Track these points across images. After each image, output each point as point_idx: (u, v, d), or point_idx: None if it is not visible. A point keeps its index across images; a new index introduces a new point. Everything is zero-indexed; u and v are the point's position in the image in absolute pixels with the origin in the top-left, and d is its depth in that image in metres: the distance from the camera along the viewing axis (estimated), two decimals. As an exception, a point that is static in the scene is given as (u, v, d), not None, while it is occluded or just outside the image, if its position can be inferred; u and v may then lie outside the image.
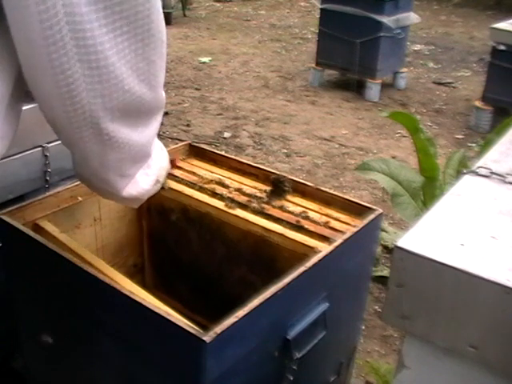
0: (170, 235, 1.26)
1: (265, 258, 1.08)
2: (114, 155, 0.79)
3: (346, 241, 0.97)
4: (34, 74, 0.67)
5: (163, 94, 0.83)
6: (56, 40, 0.62)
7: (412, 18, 4.08)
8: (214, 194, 1.17)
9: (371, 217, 1.03)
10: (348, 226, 1.06)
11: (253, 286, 1.08)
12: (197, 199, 1.16)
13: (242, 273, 1.14)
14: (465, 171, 0.82)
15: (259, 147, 3.22)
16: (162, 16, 0.74)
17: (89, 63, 0.65)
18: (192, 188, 1.19)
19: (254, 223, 1.08)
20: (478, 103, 3.65)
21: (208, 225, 1.16)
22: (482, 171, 0.80)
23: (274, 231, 1.06)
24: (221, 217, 1.13)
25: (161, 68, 0.77)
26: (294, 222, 1.08)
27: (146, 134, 0.82)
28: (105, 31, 0.65)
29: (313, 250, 0.98)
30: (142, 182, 0.91)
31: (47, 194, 1.09)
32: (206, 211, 1.15)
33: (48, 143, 1.25)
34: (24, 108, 0.75)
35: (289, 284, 0.84)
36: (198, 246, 1.21)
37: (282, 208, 1.13)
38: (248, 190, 1.18)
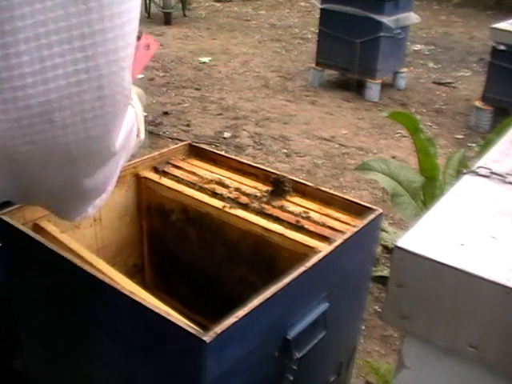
0: (170, 235, 1.26)
1: (265, 258, 1.08)
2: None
3: (346, 241, 0.97)
4: None
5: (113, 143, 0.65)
6: None
7: (412, 18, 4.08)
8: (214, 194, 1.17)
9: (371, 217, 1.03)
10: (348, 226, 1.06)
11: (253, 286, 1.08)
12: (197, 199, 1.16)
13: (242, 273, 1.14)
14: (465, 171, 0.82)
15: (259, 147, 3.22)
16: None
17: None
18: (192, 188, 1.19)
19: (254, 223, 1.08)
20: (478, 103, 3.65)
21: (208, 225, 1.16)
22: (482, 171, 0.80)
23: (273, 231, 1.06)
24: (221, 217, 1.13)
25: (99, 97, 0.59)
26: (294, 222, 1.08)
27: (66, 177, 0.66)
28: None
29: (313, 250, 0.98)
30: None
31: (47, 194, 1.09)
32: (206, 211, 1.15)
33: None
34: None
35: (289, 284, 0.84)
36: (198, 246, 1.21)
37: (282, 208, 1.13)
38: (248, 190, 1.18)
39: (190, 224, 1.20)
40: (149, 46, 0.87)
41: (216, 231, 1.15)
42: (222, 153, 1.35)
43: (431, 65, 4.96)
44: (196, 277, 1.24)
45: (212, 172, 1.26)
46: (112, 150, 0.66)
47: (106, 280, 0.85)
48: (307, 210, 1.12)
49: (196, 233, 1.20)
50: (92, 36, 0.55)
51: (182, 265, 1.26)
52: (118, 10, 0.56)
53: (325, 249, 0.96)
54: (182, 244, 1.24)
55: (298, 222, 1.08)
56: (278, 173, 1.21)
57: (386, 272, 2.04)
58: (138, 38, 0.76)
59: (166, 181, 1.21)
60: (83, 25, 0.54)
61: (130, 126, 0.72)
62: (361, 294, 1.17)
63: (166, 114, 3.54)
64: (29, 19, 0.52)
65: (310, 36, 5.53)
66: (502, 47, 3.39)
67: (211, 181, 1.21)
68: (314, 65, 4.30)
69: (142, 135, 0.85)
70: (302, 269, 0.87)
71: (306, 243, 1.02)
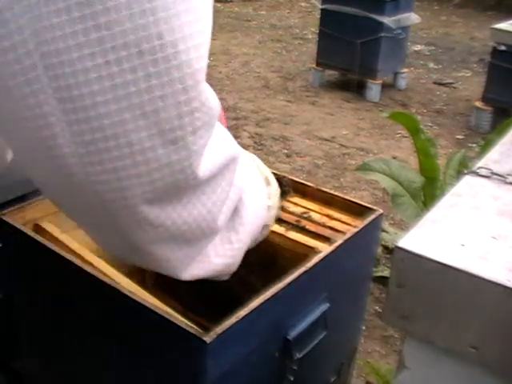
0: None
1: (265, 258, 1.08)
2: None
3: (346, 241, 0.97)
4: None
5: (197, 160, 0.58)
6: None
7: (412, 18, 4.08)
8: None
9: (372, 217, 1.03)
10: (348, 226, 1.06)
11: (253, 286, 1.08)
12: None
13: (242, 273, 1.14)
14: (465, 172, 0.82)
15: (260, 147, 3.23)
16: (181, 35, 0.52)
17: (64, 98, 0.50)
18: None
19: (254, 223, 1.08)
20: (478, 104, 3.65)
21: None
22: (483, 172, 0.80)
23: (274, 231, 1.06)
24: None
25: (178, 115, 0.53)
26: (294, 223, 1.08)
27: (180, 212, 0.61)
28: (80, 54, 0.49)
29: (313, 251, 0.98)
30: (217, 255, 0.73)
31: (48, 194, 1.09)
32: None
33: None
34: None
35: (289, 284, 0.84)
36: None
37: (282, 208, 1.12)
38: (248, 191, 1.18)
39: None
40: None
41: None
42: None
43: (432, 65, 4.96)
44: None
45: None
46: (195, 178, 0.59)
47: (106, 280, 0.85)
48: (307, 211, 1.12)
49: None
50: (164, 48, 0.50)
51: None
52: (186, 19, 0.51)
53: (325, 249, 0.96)
54: None
55: (298, 222, 1.08)
56: (278, 173, 1.21)
57: (386, 272, 2.04)
58: None
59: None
60: (153, 37, 0.50)
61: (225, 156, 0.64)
62: (361, 294, 1.17)
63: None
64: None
65: (310, 36, 5.53)
66: (503, 48, 3.39)
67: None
68: (314, 65, 4.30)
69: (274, 184, 0.85)
70: (302, 269, 0.87)
71: (306, 243, 1.02)
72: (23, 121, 0.53)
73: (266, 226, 0.84)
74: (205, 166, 0.60)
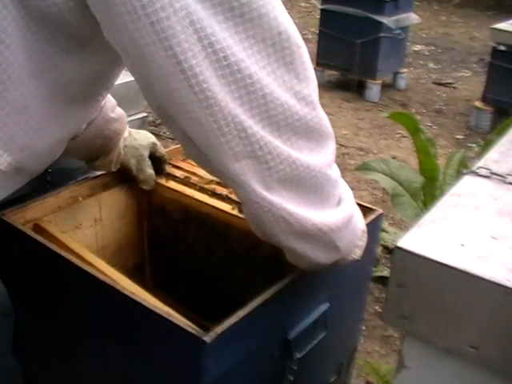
0: (170, 235, 1.26)
1: (266, 258, 1.08)
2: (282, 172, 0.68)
3: (346, 241, 0.97)
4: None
5: (323, 115, 0.72)
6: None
7: (412, 18, 4.08)
8: (214, 195, 1.17)
9: (371, 217, 1.03)
10: (348, 226, 1.06)
11: (253, 286, 1.08)
12: (197, 200, 1.16)
13: (243, 273, 1.14)
14: (465, 171, 0.82)
15: (259, 147, 3.22)
16: (288, 19, 0.67)
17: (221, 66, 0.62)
18: (192, 188, 1.19)
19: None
20: (478, 104, 3.65)
21: (209, 225, 1.16)
22: (482, 171, 0.80)
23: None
24: (221, 217, 1.13)
25: (305, 78, 0.69)
26: (294, 223, 1.08)
27: (315, 158, 0.71)
28: (234, 37, 0.62)
29: (313, 251, 0.98)
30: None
31: (47, 194, 1.09)
32: (206, 212, 1.15)
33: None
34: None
35: (289, 284, 0.84)
36: (199, 247, 1.21)
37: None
38: (248, 191, 1.18)
39: (191, 224, 1.20)
40: None
41: (217, 232, 1.15)
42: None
43: (431, 65, 4.96)
44: (196, 277, 1.24)
45: (212, 172, 1.26)
46: (323, 125, 0.72)
47: (106, 280, 0.85)
48: (307, 211, 1.12)
49: (196, 233, 1.20)
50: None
51: (182, 265, 1.26)
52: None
53: (325, 249, 0.96)
54: (182, 244, 1.24)
55: (298, 222, 1.08)
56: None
57: (386, 272, 2.04)
58: None
59: (166, 181, 1.21)
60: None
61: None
62: (361, 294, 1.17)
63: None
64: None
65: (310, 36, 5.52)
66: (503, 48, 3.39)
67: (211, 181, 1.21)
68: (314, 65, 4.29)
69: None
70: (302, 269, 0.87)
71: (306, 243, 1.02)
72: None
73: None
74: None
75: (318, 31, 4.25)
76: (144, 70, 0.63)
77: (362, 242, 0.85)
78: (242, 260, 1.13)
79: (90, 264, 0.92)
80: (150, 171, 1.16)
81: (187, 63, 0.60)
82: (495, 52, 3.46)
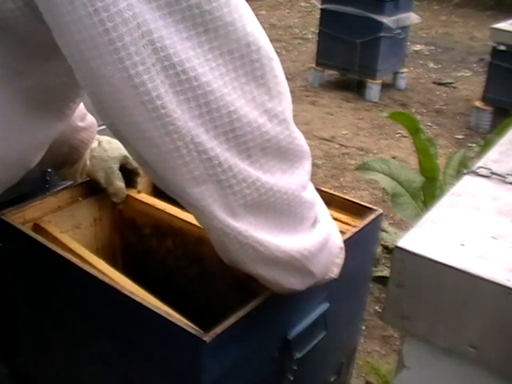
0: (142, 250, 1.18)
1: (239, 274, 1.03)
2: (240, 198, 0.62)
3: (346, 241, 0.97)
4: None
5: (298, 133, 0.67)
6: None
7: (412, 18, 4.08)
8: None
9: (371, 217, 1.03)
10: (348, 226, 1.06)
11: (226, 302, 1.02)
12: (168, 213, 1.08)
13: (217, 289, 1.07)
14: (465, 171, 0.82)
15: (259, 147, 3.22)
16: (259, 29, 0.61)
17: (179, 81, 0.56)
18: (165, 201, 1.08)
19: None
20: (478, 103, 3.65)
21: (180, 239, 1.09)
22: (482, 171, 0.80)
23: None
24: (193, 232, 1.05)
25: (278, 94, 0.63)
26: (294, 223, 1.08)
27: (287, 180, 0.65)
28: (189, 45, 0.55)
29: (313, 250, 0.98)
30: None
31: (47, 194, 1.09)
32: (178, 226, 1.07)
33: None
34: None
35: (289, 284, 0.84)
36: (172, 261, 1.13)
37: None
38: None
39: (163, 238, 1.13)
40: None
41: (189, 246, 1.08)
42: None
43: (431, 65, 4.96)
44: (171, 293, 1.14)
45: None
46: (298, 145, 0.67)
47: (106, 280, 0.85)
48: (307, 210, 1.12)
49: (168, 247, 1.12)
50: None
51: (155, 279, 1.17)
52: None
53: (325, 249, 0.96)
54: (154, 259, 1.17)
55: (298, 222, 1.08)
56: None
57: (386, 272, 2.05)
58: None
59: (137, 193, 1.14)
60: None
61: None
62: (361, 294, 1.17)
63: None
64: None
65: (310, 36, 5.53)
66: (502, 47, 3.39)
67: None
68: (314, 65, 4.30)
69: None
70: (302, 269, 0.87)
71: (306, 243, 1.02)
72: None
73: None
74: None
75: (317, 31, 4.26)
76: (94, 85, 0.57)
77: (340, 259, 0.81)
78: (216, 275, 1.07)
79: (90, 264, 0.92)
80: (120, 184, 1.09)
81: (139, 78, 0.54)
82: (495, 52, 3.46)
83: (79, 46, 0.54)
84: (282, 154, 0.64)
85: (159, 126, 0.57)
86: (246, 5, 0.60)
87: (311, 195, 0.70)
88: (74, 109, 0.82)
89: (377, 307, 2.00)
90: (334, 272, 0.80)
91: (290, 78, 4.44)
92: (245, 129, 0.60)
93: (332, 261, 0.78)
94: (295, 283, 0.74)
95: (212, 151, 0.59)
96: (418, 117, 3.61)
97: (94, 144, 1.08)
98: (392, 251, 0.64)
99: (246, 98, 0.59)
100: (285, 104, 0.64)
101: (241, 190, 0.61)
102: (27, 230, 0.98)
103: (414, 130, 2.05)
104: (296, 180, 0.66)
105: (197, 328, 0.74)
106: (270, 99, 0.62)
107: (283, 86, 0.64)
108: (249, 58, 0.59)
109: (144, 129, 0.57)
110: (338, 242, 0.79)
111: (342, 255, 0.81)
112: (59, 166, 1.08)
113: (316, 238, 0.71)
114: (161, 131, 0.57)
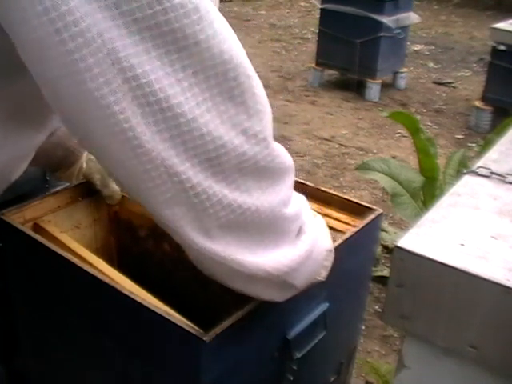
0: (138, 251, 1.18)
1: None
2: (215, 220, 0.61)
3: (346, 241, 0.97)
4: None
5: (279, 150, 0.64)
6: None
7: (412, 18, 4.08)
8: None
9: (371, 217, 1.03)
10: (348, 226, 1.06)
11: (225, 304, 1.02)
12: None
13: (214, 289, 1.08)
14: (465, 171, 0.82)
15: (259, 147, 3.22)
16: (237, 45, 0.60)
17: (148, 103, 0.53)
18: None
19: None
20: (478, 103, 3.65)
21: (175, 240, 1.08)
22: (482, 171, 0.80)
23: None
24: None
25: (257, 112, 0.60)
26: (293, 222, 1.08)
27: (267, 198, 0.63)
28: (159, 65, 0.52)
29: (313, 250, 0.98)
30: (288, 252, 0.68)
31: (47, 193, 1.09)
32: None
33: (48, 143, 1.25)
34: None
35: (289, 284, 0.84)
36: (168, 263, 1.13)
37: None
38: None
39: (159, 240, 1.13)
40: None
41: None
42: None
43: (431, 65, 4.96)
44: (168, 295, 1.14)
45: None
46: (278, 161, 0.64)
47: (106, 280, 0.85)
48: (307, 210, 1.12)
49: (165, 249, 1.13)
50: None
51: (152, 280, 1.16)
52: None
53: (325, 249, 0.96)
54: (151, 260, 1.17)
55: (297, 222, 1.08)
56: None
57: (386, 272, 2.05)
58: None
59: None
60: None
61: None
62: (361, 293, 1.17)
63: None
64: None
65: (310, 36, 5.53)
66: (502, 47, 3.39)
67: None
68: (313, 65, 4.30)
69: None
70: (301, 269, 0.87)
71: (306, 243, 1.02)
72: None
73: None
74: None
75: (317, 31, 4.26)
76: (60, 107, 0.56)
77: (328, 261, 0.79)
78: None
79: (90, 264, 0.92)
80: (115, 187, 1.10)
81: (104, 100, 0.51)
82: (495, 52, 3.46)
83: (42, 66, 0.52)
84: (261, 173, 0.62)
85: (128, 149, 0.54)
86: (223, 21, 0.58)
87: (294, 208, 0.68)
88: (57, 119, 0.79)
89: (377, 307, 2.00)
90: (322, 275, 0.78)
91: (289, 77, 4.45)
92: (219, 151, 0.57)
93: (319, 265, 0.77)
94: (275, 296, 0.73)
95: (184, 174, 0.57)
96: (418, 117, 3.61)
97: None
98: (392, 251, 0.64)
99: (222, 118, 0.57)
100: (264, 122, 0.61)
101: (215, 213, 0.59)
102: (27, 229, 0.98)
103: (414, 130, 2.05)
104: (276, 197, 0.64)
105: (197, 328, 0.74)
106: (249, 118, 0.59)
107: (262, 103, 0.62)
108: (224, 77, 0.56)
109: (112, 151, 0.55)
110: (325, 245, 0.77)
111: (331, 257, 0.79)
112: (55, 169, 1.08)
113: (299, 251, 0.69)
114: (129, 154, 0.55)
